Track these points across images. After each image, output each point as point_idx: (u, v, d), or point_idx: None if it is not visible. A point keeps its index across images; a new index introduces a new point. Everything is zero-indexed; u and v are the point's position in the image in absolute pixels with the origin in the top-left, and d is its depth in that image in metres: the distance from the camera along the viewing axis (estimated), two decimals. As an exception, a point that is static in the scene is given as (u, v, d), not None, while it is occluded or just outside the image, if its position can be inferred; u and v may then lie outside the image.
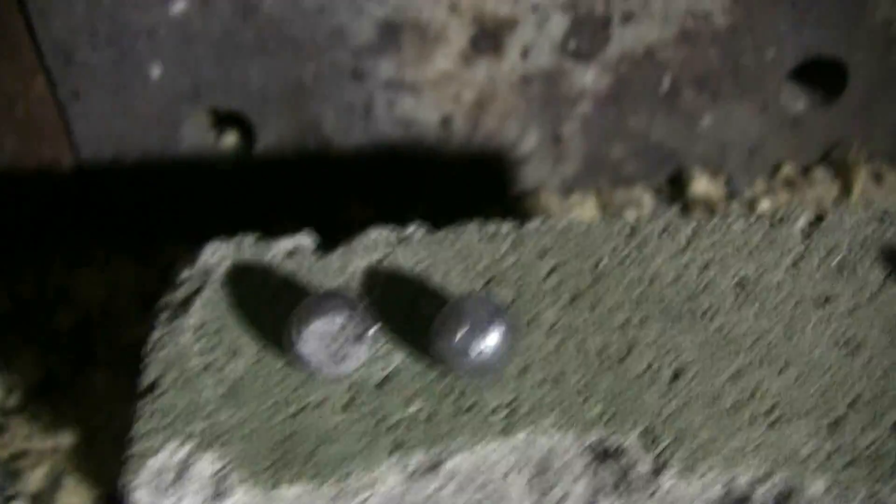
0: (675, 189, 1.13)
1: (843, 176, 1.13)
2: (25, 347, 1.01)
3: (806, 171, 1.15)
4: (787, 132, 1.12)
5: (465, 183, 1.09)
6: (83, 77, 0.97)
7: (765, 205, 1.12)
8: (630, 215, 1.08)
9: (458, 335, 0.49)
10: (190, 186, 1.06)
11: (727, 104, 1.07)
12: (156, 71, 0.97)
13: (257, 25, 0.94)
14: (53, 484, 0.91)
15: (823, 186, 1.14)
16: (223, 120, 1.06)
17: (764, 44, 1.02)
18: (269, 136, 1.03)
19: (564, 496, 0.53)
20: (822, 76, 1.09)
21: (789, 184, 1.14)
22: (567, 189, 1.12)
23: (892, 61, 1.05)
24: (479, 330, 0.49)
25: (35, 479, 0.91)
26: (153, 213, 1.08)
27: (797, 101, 1.10)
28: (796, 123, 1.11)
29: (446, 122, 1.03)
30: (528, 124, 1.05)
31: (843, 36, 1.04)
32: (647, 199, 1.12)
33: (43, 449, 0.93)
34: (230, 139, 1.07)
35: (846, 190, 1.13)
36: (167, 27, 0.94)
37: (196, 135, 1.04)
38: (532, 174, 1.10)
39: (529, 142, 1.07)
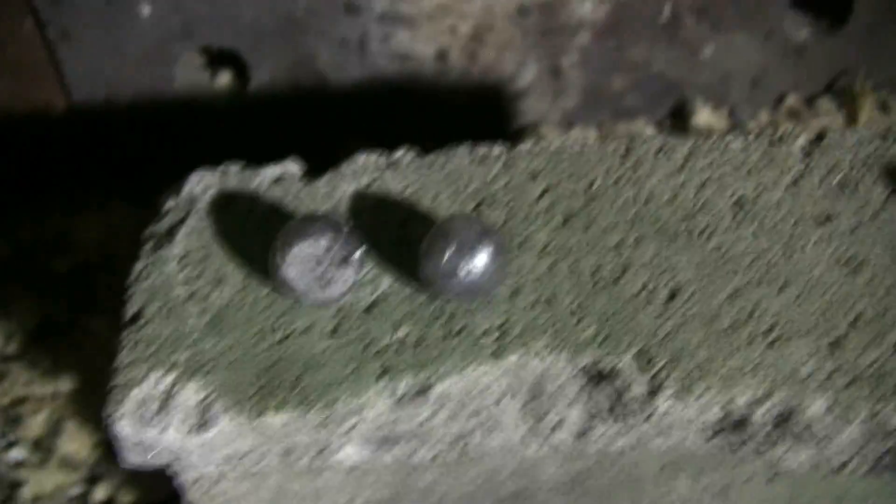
0: (677, 121, 1.11)
1: (849, 105, 1.11)
2: (24, 293, 1.00)
3: (810, 101, 1.13)
4: (791, 62, 1.10)
5: (463, 118, 1.07)
6: (72, 17, 0.95)
7: (769, 136, 1.10)
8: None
9: (446, 256, 0.47)
10: (184, 127, 1.05)
11: (729, 33, 1.05)
12: (146, 8, 0.95)
13: (247, -41, 0.92)
14: (54, 429, 0.91)
15: (828, 117, 1.12)
16: (216, 59, 1.04)
17: (766, -31, 1.00)
18: (263, 74, 1.02)
19: (559, 422, 0.51)
20: (826, 3, 1.07)
21: (793, 114, 1.12)
22: (567, 123, 1.11)
23: (897, -14, 1.03)
24: (468, 250, 0.47)
25: (35, 424, 0.91)
26: (148, 154, 1.06)
27: (801, 30, 1.08)
28: (800, 52, 1.09)
29: (442, 55, 1.01)
30: (526, 57, 1.03)
31: (848, -40, 1.02)
32: (650, 132, 1.11)
33: (43, 395, 0.93)
34: (224, 79, 1.05)
35: (851, 120, 1.11)
36: (155, -37, 0.92)
37: (189, 74, 1.03)
38: (531, 108, 1.08)
39: (528, 75, 1.05)
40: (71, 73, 0.99)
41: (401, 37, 0.99)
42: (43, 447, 0.90)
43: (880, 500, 0.60)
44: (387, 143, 0.59)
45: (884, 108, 1.12)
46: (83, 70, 0.99)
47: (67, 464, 0.89)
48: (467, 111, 1.06)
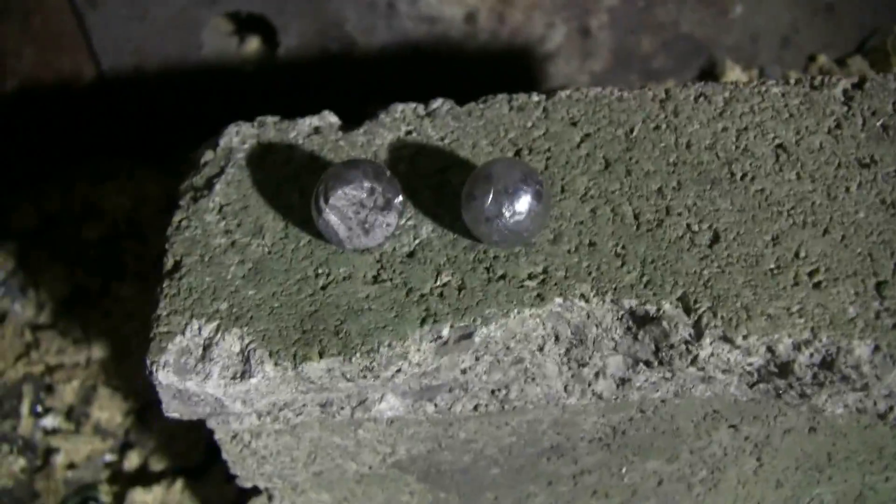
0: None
1: (880, 65, 1.10)
2: (54, 262, 1.00)
3: (841, 61, 1.12)
4: (821, 21, 1.09)
5: (492, 80, 1.06)
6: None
7: (800, 96, 1.09)
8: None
9: (489, 199, 0.47)
10: (213, 93, 1.04)
11: (759, -9, 1.04)
12: (172, -27, 0.95)
13: (274, -79, 0.92)
14: (86, 397, 0.91)
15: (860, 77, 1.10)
16: (244, 25, 1.04)
17: (796, -74, 0.99)
18: (291, 39, 1.01)
19: (602, 369, 0.51)
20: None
21: (825, 74, 1.11)
22: (597, 85, 1.10)
23: (930, -59, 1.02)
24: (510, 193, 0.47)
25: (68, 392, 0.91)
26: (177, 122, 1.06)
27: (832, -13, 1.07)
28: (830, 11, 1.08)
29: (471, 17, 1.00)
30: (554, 18, 1.02)
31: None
32: (679, 93, 1.10)
33: (75, 363, 0.93)
34: (253, 45, 1.05)
35: (884, 79, 1.09)
36: (182, -73, 0.92)
37: (217, 40, 1.02)
38: (560, 70, 1.08)
39: (557, 37, 1.04)
40: (98, 41, 0.99)
41: (429, -1, 0.98)
42: (76, 415, 0.90)
43: (922, 450, 0.60)
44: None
45: (916, 66, 1.10)
46: (111, 38, 0.99)
47: (100, 431, 0.89)
48: (496, 74, 1.05)
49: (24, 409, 0.90)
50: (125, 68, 1.01)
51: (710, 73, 1.10)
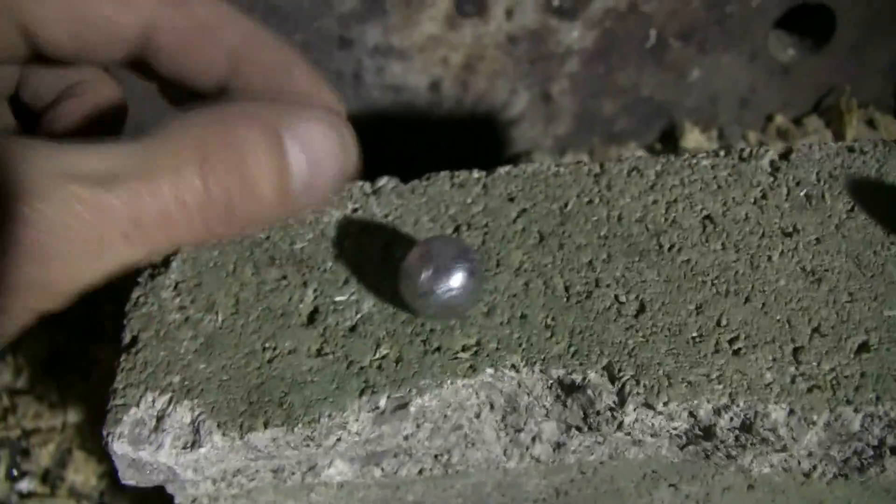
0: (667, 144, 1.13)
1: (836, 123, 1.13)
2: (32, 325, 1.02)
3: (798, 120, 1.15)
4: (778, 81, 1.12)
5: (458, 146, 1.09)
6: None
7: (758, 155, 1.12)
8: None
9: (423, 276, 0.49)
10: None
11: (715, 55, 1.07)
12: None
13: (242, -3, 0.95)
14: (62, 460, 0.93)
15: (816, 135, 1.14)
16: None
17: (749, -8, 1.03)
18: (262, 108, 1.04)
19: (538, 434, 0.54)
20: (809, 23, 1.09)
21: (782, 134, 1.14)
22: (560, 149, 1.13)
23: (878, 4, 1.05)
24: (444, 270, 0.49)
25: (44, 455, 0.93)
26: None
27: (786, 50, 1.10)
28: (786, 72, 1.11)
29: (435, 85, 1.04)
30: (517, 85, 1.05)
31: (829, -19, 1.04)
32: (640, 155, 1.13)
33: (51, 426, 0.95)
34: (225, 113, 1.08)
35: (840, 137, 1.13)
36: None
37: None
38: (524, 135, 1.11)
39: (520, 102, 1.07)
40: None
41: (394, 69, 1.01)
42: (52, 478, 0.92)
43: (860, 501, 0.62)
44: (382, 173, 0.61)
45: (871, 124, 1.14)
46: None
47: (75, 494, 0.91)
48: (461, 139, 1.08)
49: (1, 473, 0.92)
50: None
51: (670, 135, 1.13)
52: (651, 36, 1.04)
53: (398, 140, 1.07)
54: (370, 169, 0.62)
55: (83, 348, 1.00)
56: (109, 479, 0.91)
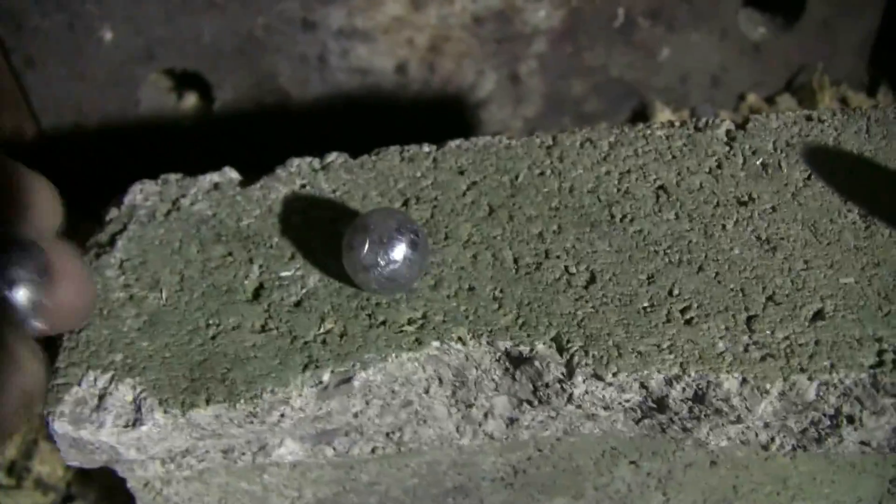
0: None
1: (809, 101, 1.13)
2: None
3: (771, 99, 1.14)
4: (749, 60, 1.11)
5: (426, 129, 1.08)
6: (36, 43, 0.97)
7: (730, 134, 1.12)
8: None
9: (365, 249, 0.48)
10: (153, 148, 1.06)
11: (685, 34, 1.06)
12: (107, 33, 0.97)
13: (203, -20, 0.94)
14: (27, 451, 0.92)
15: (790, 113, 1.13)
16: (181, 81, 1.06)
17: (717, -30, 1.02)
18: (227, 94, 1.03)
19: (490, 409, 0.53)
20: (779, 0, 1.08)
21: (755, 113, 1.13)
22: (530, 130, 1.12)
23: (848, -20, 1.05)
24: (385, 242, 0.48)
25: (10, 447, 0.92)
26: (118, 177, 1.07)
27: (756, 28, 1.10)
28: (757, 50, 1.10)
29: (401, 68, 1.03)
30: (484, 66, 1.04)
31: (798, -43, 1.03)
32: (612, 136, 1.12)
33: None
34: (190, 101, 1.07)
35: (813, 116, 1.12)
36: (113, -13, 0.94)
37: (154, 97, 1.05)
38: (493, 116, 1.10)
39: (487, 84, 1.06)
40: (38, 100, 1.01)
41: (359, 51, 1.00)
42: (17, 469, 0.91)
43: (826, 476, 0.61)
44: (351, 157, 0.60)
45: (844, 101, 1.13)
46: (50, 97, 1.01)
47: (42, 485, 0.90)
48: (429, 122, 1.07)
49: (-35, 466, 0.91)
50: (66, 126, 1.03)
51: (641, 115, 1.12)
52: (619, 15, 1.03)
53: (365, 124, 1.06)
54: (339, 151, 0.61)
55: (49, 339, 0.99)
56: (76, 469, 0.90)
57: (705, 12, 1.05)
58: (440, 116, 1.07)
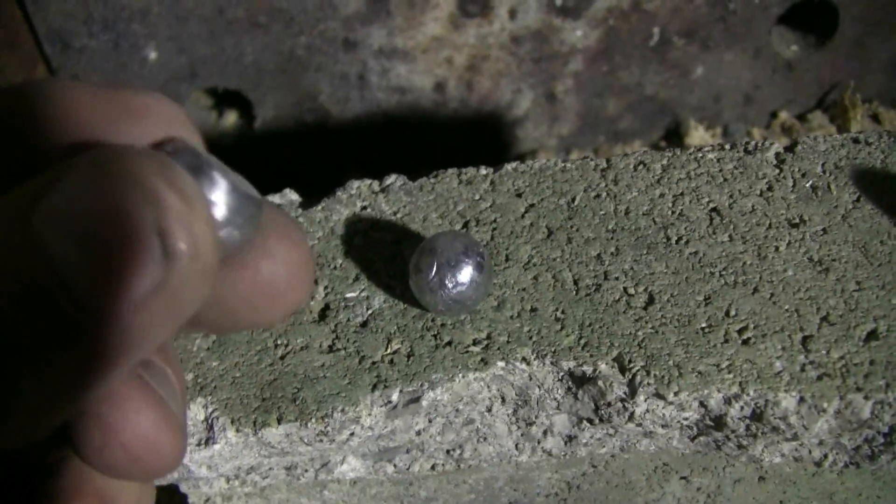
0: (672, 142, 1.14)
1: (840, 119, 1.14)
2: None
3: (802, 116, 1.15)
4: (782, 78, 1.12)
5: (464, 146, 1.10)
6: (82, 62, 0.99)
7: (763, 151, 1.13)
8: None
9: (433, 272, 0.50)
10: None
11: (718, 53, 1.08)
12: (152, 53, 0.99)
13: (248, 0, 0.96)
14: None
15: (821, 130, 1.14)
16: (222, 99, 1.08)
17: (751, -11, 1.03)
18: (268, 111, 1.05)
19: (549, 427, 0.54)
20: (812, 19, 1.09)
21: (786, 130, 1.14)
22: (565, 148, 1.13)
23: (880, 0, 1.06)
24: (453, 265, 0.50)
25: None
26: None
27: (789, 46, 1.11)
28: (790, 68, 1.12)
29: (440, 86, 1.04)
30: (521, 85, 1.06)
31: (831, -23, 1.04)
32: (646, 153, 1.13)
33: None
34: (231, 118, 1.08)
35: (845, 133, 1.13)
36: (160, 7, 0.95)
37: (196, 114, 1.06)
38: (529, 134, 1.11)
39: (524, 102, 1.08)
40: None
41: (399, 70, 1.02)
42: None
43: (871, 492, 0.62)
44: (389, 173, 0.62)
45: (875, 118, 1.14)
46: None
47: None
48: (467, 139, 1.09)
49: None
50: (109, 144, 1.05)
51: (675, 133, 1.13)
52: (654, 34, 1.04)
53: (404, 141, 1.07)
54: (378, 169, 0.62)
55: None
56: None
57: (739, 31, 1.06)
58: (477, 133, 1.09)
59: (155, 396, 0.26)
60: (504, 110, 1.08)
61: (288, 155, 1.07)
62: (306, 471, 0.55)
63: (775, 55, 1.10)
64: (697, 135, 1.12)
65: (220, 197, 0.24)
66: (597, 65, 1.06)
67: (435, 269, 0.50)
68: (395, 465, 0.55)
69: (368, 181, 0.61)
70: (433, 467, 0.56)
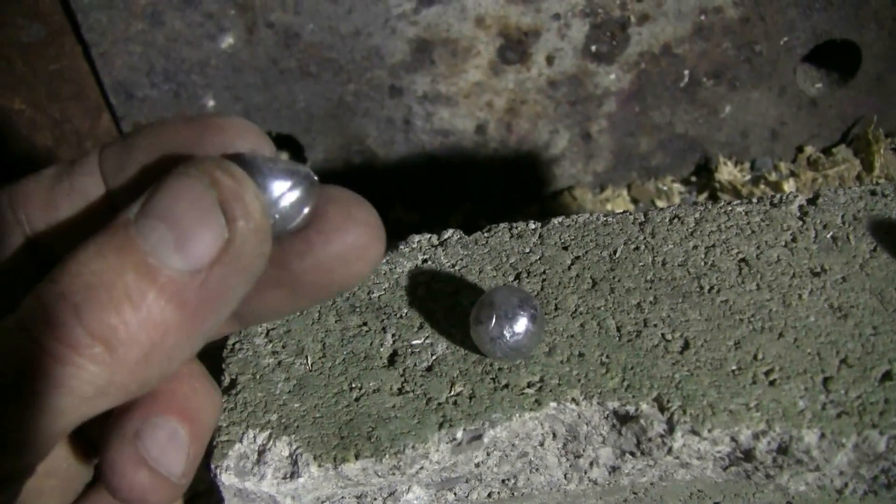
0: (702, 177, 1.19)
1: (864, 153, 1.19)
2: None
3: (827, 151, 1.21)
4: (806, 114, 1.18)
5: (503, 184, 1.16)
6: (144, 111, 1.05)
7: (789, 186, 1.18)
8: (657, 205, 1.15)
9: (492, 323, 0.56)
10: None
11: (746, 92, 1.13)
12: (210, 101, 1.05)
13: (299, 52, 1.02)
14: None
15: (845, 164, 1.19)
16: (276, 143, 1.14)
17: (776, 31, 1.09)
18: (318, 154, 1.11)
19: (595, 459, 0.60)
20: (836, 57, 1.15)
21: (812, 164, 1.20)
22: (600, 184, 1.19)
23: (900, 40, 1.11)
24: (510, 317, 0.56)
25: None
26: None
27: (814, 84, 1.16)
28: (814, 105, 1.17)
29: (481, 128, 1.10)
30: (558, 125, 1.12)
31: (853, 16, 1.09)
32: (677, 189, 1.19)
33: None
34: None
35: (868, 166, 1.18)
36: (217, 60, 1.02)
37: (251, 156, 1.12)
38: (566, 172, 1.17)
39: (561, 142, 1.14)
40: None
41: (442, 114, 1.08)
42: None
43: (890, 516, 0.67)
44: (432, 212, 0.68)
45: (896, 152, 1.19)
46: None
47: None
48: (506, 178, 1.15)
49: None
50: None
51: (704, 168, 1.19)
52: (684, 76, 1.10)
53: (447, 180, 1.13)
54: (421, 205, 0.68)
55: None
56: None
57: (765, 71, 1.11)
58: (516, 171, 1.15)
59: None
60: (542, 149, 1.14)
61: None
62: (375, 499, 0.61)
63: (800, 93, 1.15)
64: (726, 170, 1.17)
65: (270, 181, 0.35)
66: (629, 106, 1.11)
67: (494, 321, 0.56)
68: (455, 494, 0.61)
69: (428, 235, 0.67)
70: (489, 495, 0.62)
